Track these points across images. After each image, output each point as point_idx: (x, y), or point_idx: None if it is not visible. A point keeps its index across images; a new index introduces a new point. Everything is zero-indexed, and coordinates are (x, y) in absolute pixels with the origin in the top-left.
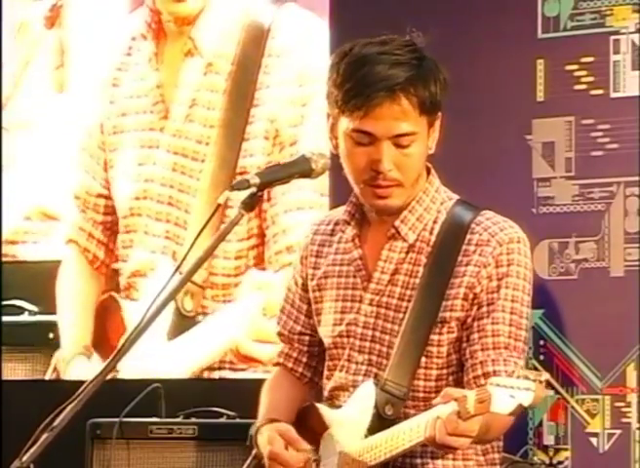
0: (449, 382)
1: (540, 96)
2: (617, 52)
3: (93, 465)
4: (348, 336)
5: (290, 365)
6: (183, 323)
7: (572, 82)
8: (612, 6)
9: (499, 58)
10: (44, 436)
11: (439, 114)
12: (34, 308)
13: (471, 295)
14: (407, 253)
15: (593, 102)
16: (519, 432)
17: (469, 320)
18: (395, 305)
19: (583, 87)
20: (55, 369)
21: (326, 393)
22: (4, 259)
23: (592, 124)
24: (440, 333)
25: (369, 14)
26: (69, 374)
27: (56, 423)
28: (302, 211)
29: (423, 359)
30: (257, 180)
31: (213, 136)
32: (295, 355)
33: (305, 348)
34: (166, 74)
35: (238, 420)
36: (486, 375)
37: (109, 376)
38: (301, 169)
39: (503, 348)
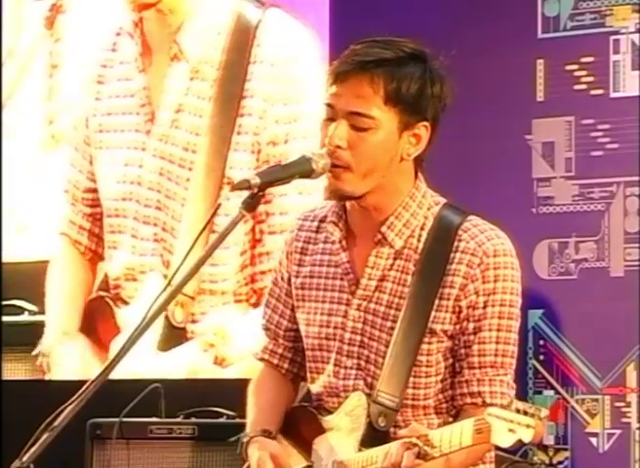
0: (436, 389)
1: (540, 96)
2: (616, 52)
3: (93, 465)
4: (335, 340)
5: (275, 361)
6: (174, 333)
7: (572, 82)
8: (612, 6)
9: (499, 58)
10: (44, 436)
11: (424, 123)
12: (34, 308)
13: (457, 309)
14: (394, 259)
15: (593, 102)
16: None
17: (456, 332)
18: (383, 313)
19: (583, 87)
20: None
21: (314, 397)
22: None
23: (592, 124)
24: (430, 343)
25: (369, 20)
26: (59, 362)
27: (56, 423)
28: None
29: (413, 368)
30: (257, 181)
31: (199, 144)
32: (280, 351)
33: (291, 344)
34: (152, 77)
35: (238, 420)
36: (472, 395)
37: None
38: (302, 169)
39: (489, 367)
